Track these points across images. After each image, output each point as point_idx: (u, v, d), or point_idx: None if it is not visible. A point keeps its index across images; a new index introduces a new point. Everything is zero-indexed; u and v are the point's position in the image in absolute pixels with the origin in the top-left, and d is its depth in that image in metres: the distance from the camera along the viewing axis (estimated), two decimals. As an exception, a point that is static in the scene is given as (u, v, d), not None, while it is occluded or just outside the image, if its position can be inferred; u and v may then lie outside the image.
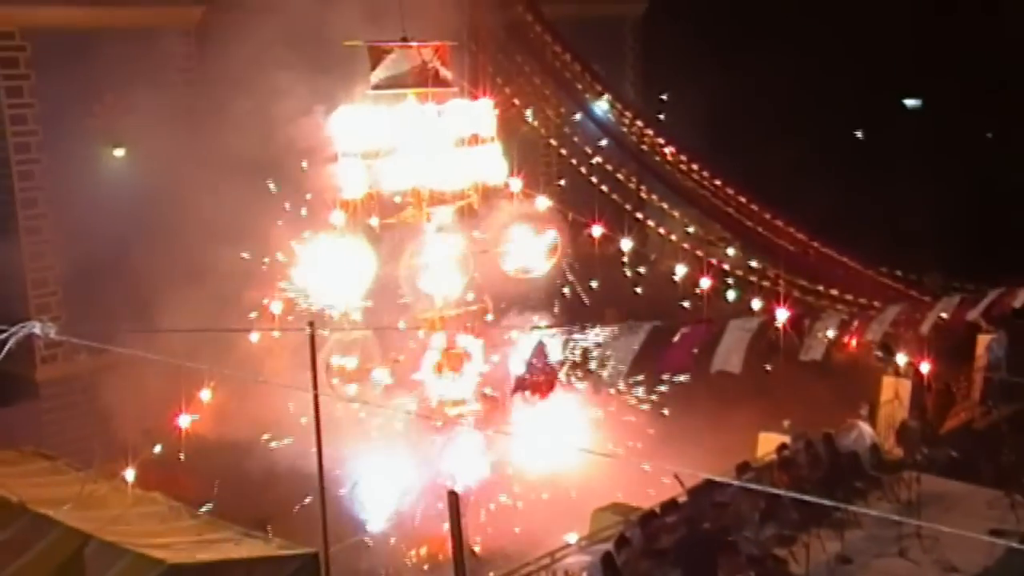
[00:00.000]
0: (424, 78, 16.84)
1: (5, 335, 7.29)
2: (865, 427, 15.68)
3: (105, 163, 20.72)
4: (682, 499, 13.42)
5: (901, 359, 17.50)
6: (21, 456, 12.54)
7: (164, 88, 20.49)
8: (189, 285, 16.85)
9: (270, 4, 18.61)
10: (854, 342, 16.55)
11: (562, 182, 25.93)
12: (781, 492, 11.85)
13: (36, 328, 7.57)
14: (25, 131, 19.82)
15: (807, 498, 11.37)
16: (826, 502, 10.26)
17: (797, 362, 14.27)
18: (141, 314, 16.82)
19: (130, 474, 14.47)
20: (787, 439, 15.50)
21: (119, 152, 20.85)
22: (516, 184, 17.75)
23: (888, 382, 17.50)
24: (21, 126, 19.79)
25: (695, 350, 12.56)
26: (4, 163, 19.75)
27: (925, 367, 16.85)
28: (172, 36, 21.04)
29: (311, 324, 11.60)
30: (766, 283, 22.44)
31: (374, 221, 17.02)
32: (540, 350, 11.88)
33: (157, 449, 16.01)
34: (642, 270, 24.65)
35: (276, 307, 17.23)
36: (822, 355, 13.73)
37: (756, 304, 20.73)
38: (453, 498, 9.71)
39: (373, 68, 16.64)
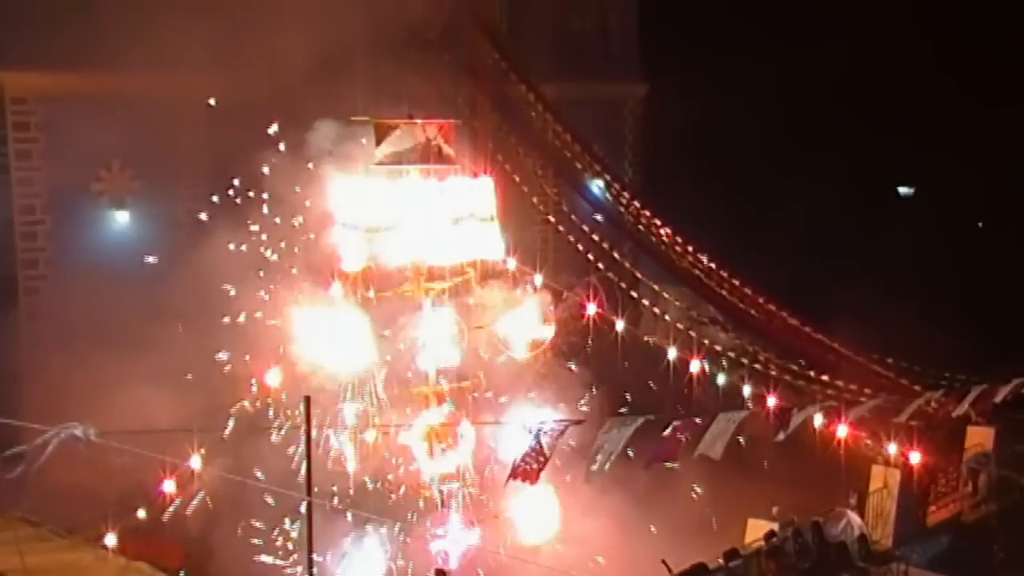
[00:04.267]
0: (427, 155, 16.96)
1: (47, 436, 7.25)
2: (854, 516, 15.53)
3: (109, 227, 20.90)
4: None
5: (891, 448, 17.41)
6: (5, 522, 12.42)
7: (170, 154, 20.70)
8: (187, 353, 16.98)
9: (276, 72, 19.07)
10: (841, 430, 16.49)
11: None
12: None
13: (77, 430, 7.53)
14: (32, 193, 20.09)
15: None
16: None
17: (785, 448, 14.23)
18: (138, 378, 16.74)
19: (112, 540, 14.29)
20: (775, 526, 15.35)
21: (123, 216, 21.00)
22: (513, 262, 17.79)
23: (877, 471, 17.38)
24: (27, 188, 20.06)
25: (683, 438, 12.59)
26: (8, 224, 19.93)
27: (915, 457, 16.74)
28: (180, 104, 21.22)
29: (307, 399, 11.51)
30: (757, 366, 22.34)
31: (372, 293, 16.92)
32: (537, 436, 11.83)
33: (141, 514, 15.76)
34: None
35: (273, 379, 16.85)
36: (797, 432, 13.77)
37: (747, 389, 20.61)
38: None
39: (378, 143, 16.75)
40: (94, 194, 20.92)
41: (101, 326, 18.93)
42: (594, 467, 11.66)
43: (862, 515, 15.94)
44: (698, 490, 18.51)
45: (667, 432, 12.00)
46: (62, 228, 20.37)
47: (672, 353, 19.03)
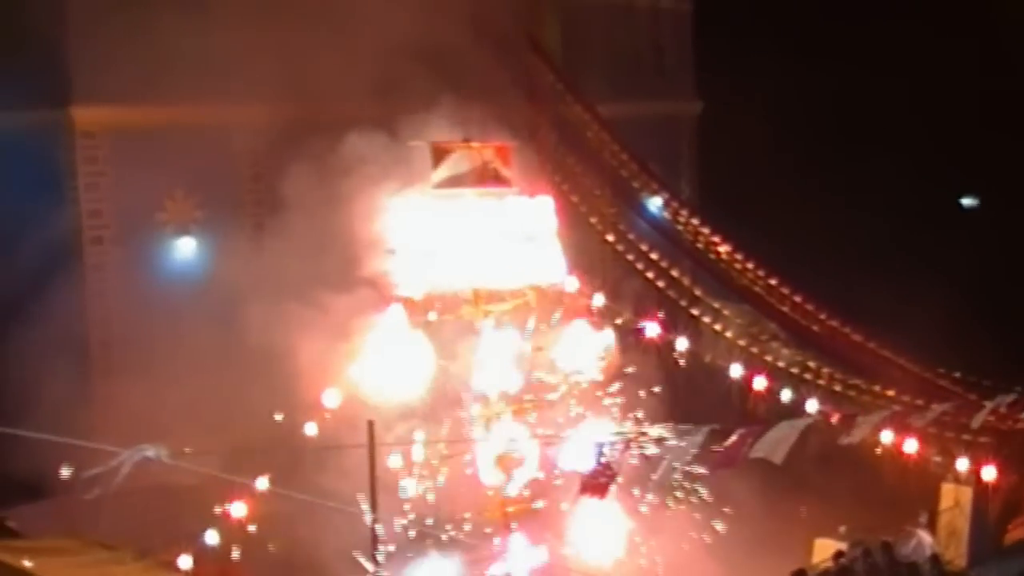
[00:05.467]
0: (484, 178, 17.05)
1: (122, 458, 7.42)
2: (925, 536, 15.29)
3: (174, 255, 21.33)
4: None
5: (962, 464, 17.07)
6: (82, 545, 12.68)
7: (232, 183, 21.17)
8: (250, 380, 17.14)
9: (335, 100, 19.30)
10: (909, 444, 16.21)
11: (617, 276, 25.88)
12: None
13: (149, 452, 7.69)
14: (100, 224, 20.51)
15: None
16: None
17: (851, 467, 14.04)
18: (202, 406, 17.00)
19: (186, 563, 14.48)
20: (844, 546, 15.15)
21: (187, 244, 21.46)
22: (573, 282, 17.75)
23: (948, 489, 17.06)
24: (97, 220, 20.49)
25: (746, 448, 12.62)
26: (79, 255, 20.34)
27: (988, 473, 16.40)
28: (241, 133, 21.66)
29: (370, 424, 11.57)
30: (821, 382, 22.12)
31: (432, 316, 16.97)
32: (601, 452, 11.93)
33: (210, 539, 15.96)
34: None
35: (332, 401, 16.94)
36: (860, 439, 13.63)
37: (811, 405, 20.41)
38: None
39: (435, 167, 16.86)
40: (159, 223, 21.30)
41: (168, 352, 19.40)
42: (655, 476, 11.71)
43: (933, 535, 15.68)
44: (763, 509, 18.27)
45: (731, 441, 12.02)
46: (129, 257, 20.75)
47: (735, 371, 18.87)
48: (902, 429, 15.15)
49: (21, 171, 20.49)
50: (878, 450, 15.50)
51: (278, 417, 16.20)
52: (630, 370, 19.33)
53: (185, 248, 21.55)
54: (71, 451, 9.03)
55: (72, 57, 20.02)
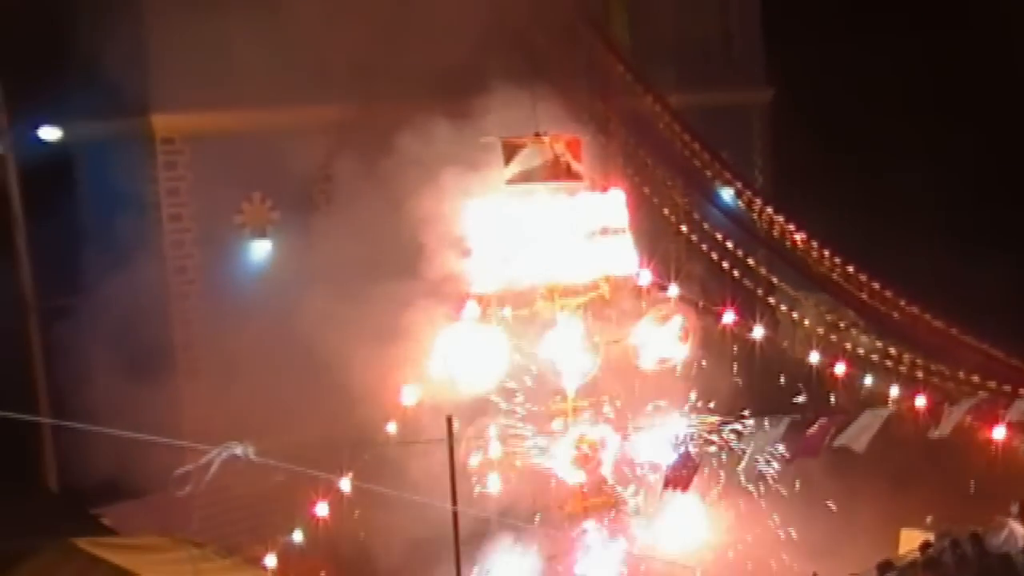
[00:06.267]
0: (556, 172, 17.04)
1: (210, 456, 7.56)
2: (1016, 526, 14.88)
3: (251, 257, 21.78)
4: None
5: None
6: (173, 543, 12.97)
7: (306, 185, 21.52)
8: (329, 379, 17.36)
9: (405, 97, 19.51)
10: (997, 432, 15.85)
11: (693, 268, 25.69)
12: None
13: (237, 450, 7.84)
14: (181, 228, 20.99)
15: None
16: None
17: (937, 455, 13.78)
18: (284, 406, 17.22)
19: (272, 561, 14.73)
20: (931, 536, 14.87)
21: (264, 246, 21.89)
22: (646, 275, 17.67)
23: (1040, 478, 16.64)
24: (177, 223, 20.97)
25: (829, 437, 12.56)
26: (161, 258, 20.84)
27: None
28: (312, 134, 21.88)
29: (449, 420, 11.62)
30: (903, 369, 21.75)
31: (506, 312, 17.03)
32: (684, 443, 11.92)
33: (296, 537, 16.22)
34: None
35: (410, 398, 17.03)
36: (950, 430, 13.38)
37: (893, 390, 20.12)
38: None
39: (506, 163, 16.90)
40: (237, 226, 21.76)
41: (249, 353, 19.72)
42: (740, 468, 11.73)
43: (1024, 524, 15.29)
44: (847, 498, 18.02)
45: (814, 429, 11.98)
46: (209, 260, 21.20)
47: (814, 358, 18.65)
48: (990, 417, 14.82)
49: (105, 178, 21.28)
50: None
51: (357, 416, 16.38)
52: (706, 362, 19.40)
53: (262, 250, 21.98)
54: (161, 451, 9.23)
55: (151, 65, 20.48)
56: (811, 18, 29.65)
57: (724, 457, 14.99)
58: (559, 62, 22.70)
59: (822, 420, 12.63)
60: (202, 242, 21.19)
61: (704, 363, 19.08)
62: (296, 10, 20.49)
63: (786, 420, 11.93)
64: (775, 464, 15.89)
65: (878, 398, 19.97)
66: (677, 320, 17.54)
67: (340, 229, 20.55)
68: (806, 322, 23.38)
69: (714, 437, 15.75)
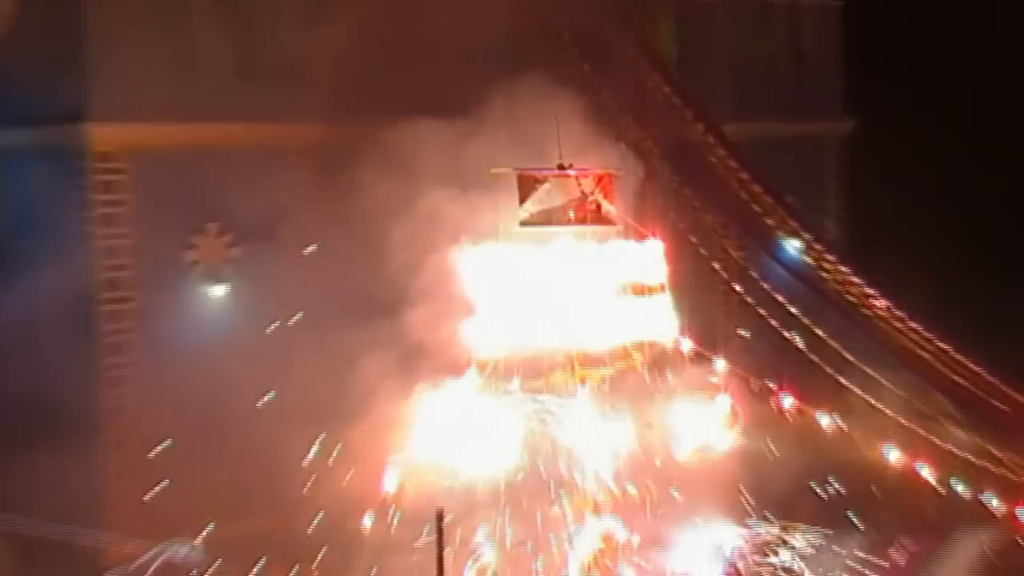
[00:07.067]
0: (583, 214, 17.35)
1: (151, 554, 8.04)
2: None
3: (204, 303, 21.83)
4: None
5: None
6: None
7: (276, 217, 21.56)
8: (297, 456, 17.80)
9: (399, 119, 19.70)
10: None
11: (744, 333, 25.88)
12: None
13: (183, 548, 8.28)
14: (116, 265, 20.91)
15: None
16: None
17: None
18: (240, 488, 17.34)
19: None
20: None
21: (221, 290, 22.00)
22: (688, 343, 18.00)
23: None
24: (112, 259, 20.89)
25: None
26: (88, 301, 20.74)
27: None
28: (287, 157, 22.24)
29: (439, 515, 11.77)
30: (1007, 474, 21.80)
31: (515, 384, 17.26)
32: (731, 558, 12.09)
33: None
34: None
35: (391, 484, 17.29)
36: None
37: (994, 501, 20.23)
38: None
39: (522, 200, 17.25)
40: (187, 265, 21.75)
41: (197, 423, 19.80)
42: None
43: None
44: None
45: (895, 552, 12.08)
46: (151, 306, 21.04)
47: (894, 455, 18.79)
48: None
49: (26, 199, 21.24)
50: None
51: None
52: (759, 453, 19.53)
53: (218, 294, 22.01)
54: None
55: (89, 65, 20.59)
56: (902, 35, 30.13)
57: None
58: (590, 80, 23.13)
59: (905, 541, 12.63)
60: (143, 283, 21.11)
61: (756, 455, 19.31)
62: (269, 9, 21.10)
63: (858, 537, 12.03)
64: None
65: (975, 510, 20.44)
66: (724, 400, 17.81)
67: (313, 272, 21.01)
68: (886, 409, 23.30)
69: (769, 552, 15.89)
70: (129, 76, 20.48)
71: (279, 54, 20.93)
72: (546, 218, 17.35)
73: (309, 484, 18.01)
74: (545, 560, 17.03)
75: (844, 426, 20.25)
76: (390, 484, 17.46)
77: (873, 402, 23.56)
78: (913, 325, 24.05)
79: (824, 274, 25.24)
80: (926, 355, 24.11)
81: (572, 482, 17.21)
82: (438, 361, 17.56)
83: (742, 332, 25.60)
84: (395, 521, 16.78)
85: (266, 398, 19.44)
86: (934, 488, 20.40)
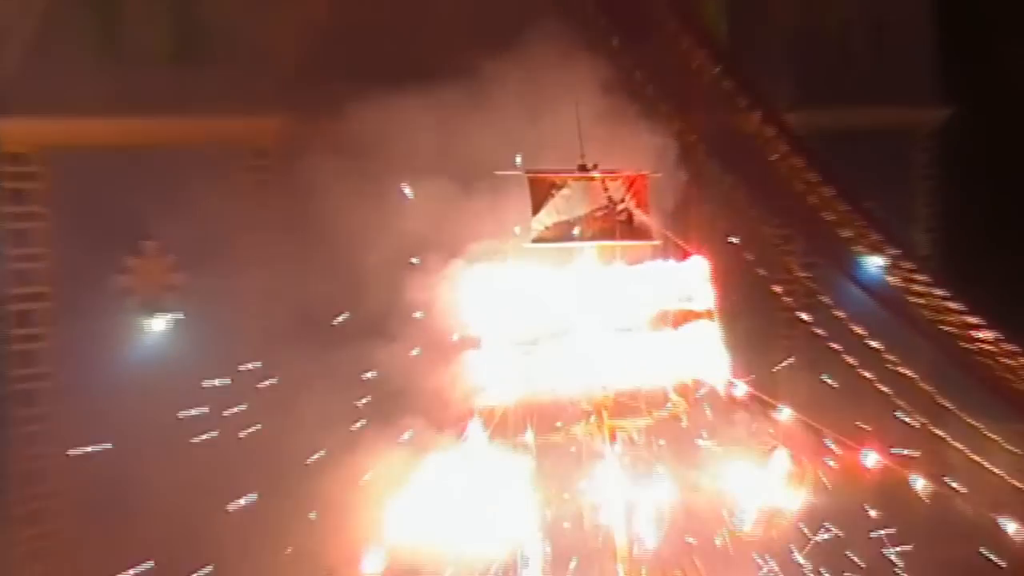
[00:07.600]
0: (610, 226, 16.89)
1: None
2: None
3: (140, 340, 21.96)
4: None
5: None
6: None
7: (229, 233, 21.34)
8: (250, 531, 17.86)
9: (380, 106, 19.54)
10: None
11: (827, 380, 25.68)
12: None
13: None
14: (29, 294, 21.12)
15: None
16: None
17: None
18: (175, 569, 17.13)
19: None
20: None
21: (161, 324, 22.03)
22: (743, 386, 17.44)
23: None
24: (24, 285, 21.12)
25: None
26: (-3, 339, 20.79)
27: None
28: (242, 157, 22.41)
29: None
30: None
31: (529, 437, 16.78)
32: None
33: None
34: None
35: (373, 567, 16.46)
36: None
37: None
38: None
39: (535, 210, 16.75)
40: (118, 292, 21.92)
41: (129, 489, 19.96)
42: None
43: None
44: None
45: None
46: (73, 344, 21.17)
47: (1010, 527, 18.41)
48: None
49: None
50: None
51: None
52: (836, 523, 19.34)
53: (156, 328, 22.13)
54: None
55: None
56: (1010, 2, 29.46)
57: None
58: (620, 59, 22.82)
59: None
60: (62, 315, 21.27)
61: (832, 525, 19.28)
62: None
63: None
64: None
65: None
66: (787, 456, 17.31)
67: (274, 300, 20.85)
68: (995, 468, 23.23)
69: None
70: (43, 60, 20.68)
71: (228, 30, 20.99)
72: (565, 231, 16.83)
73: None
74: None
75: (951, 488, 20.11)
76: (372, 567, 17.29)
77: (978, 459, 23.53)
78: (1024, 362, 23.71)
79: (914, 299, 25.06)
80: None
81: (600, 564, 16.76)
82: (431, 410, 17.25)
83: (820, 375, 25.21)
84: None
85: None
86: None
